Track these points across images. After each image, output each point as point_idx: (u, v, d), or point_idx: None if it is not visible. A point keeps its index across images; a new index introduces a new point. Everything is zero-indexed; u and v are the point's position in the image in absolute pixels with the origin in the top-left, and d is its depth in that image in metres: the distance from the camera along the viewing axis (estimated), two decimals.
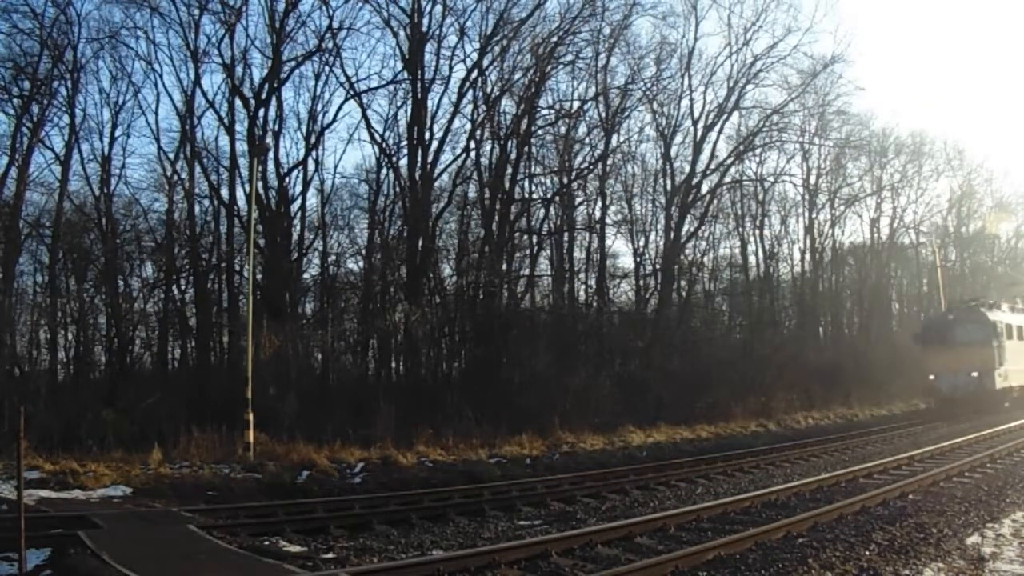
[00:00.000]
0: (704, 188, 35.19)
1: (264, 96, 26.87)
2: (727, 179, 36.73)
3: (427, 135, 28.12)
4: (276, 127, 27.41)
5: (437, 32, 28.49)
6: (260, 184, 25.05)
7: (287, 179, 27.52)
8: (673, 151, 34.73)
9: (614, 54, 31.96)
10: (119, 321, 25.40)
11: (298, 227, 28.31)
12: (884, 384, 35.10)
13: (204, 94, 27.47)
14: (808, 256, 43.98)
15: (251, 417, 16.27)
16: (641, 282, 34.54)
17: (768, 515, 10.12)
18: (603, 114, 32.31)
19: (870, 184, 47.15)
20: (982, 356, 27.26)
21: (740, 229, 40.92)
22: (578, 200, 33.92)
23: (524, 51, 29.62)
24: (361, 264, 30.40)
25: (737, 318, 40.21)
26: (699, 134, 34.14)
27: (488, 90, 29.66)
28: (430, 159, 28.15)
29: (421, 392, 23.81)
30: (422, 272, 27.49)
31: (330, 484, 14.11)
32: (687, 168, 34.27)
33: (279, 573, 7.24)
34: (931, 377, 28.41)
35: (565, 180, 32.20)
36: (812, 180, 43.24)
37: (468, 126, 29.58)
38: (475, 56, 29.02)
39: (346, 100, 29.62)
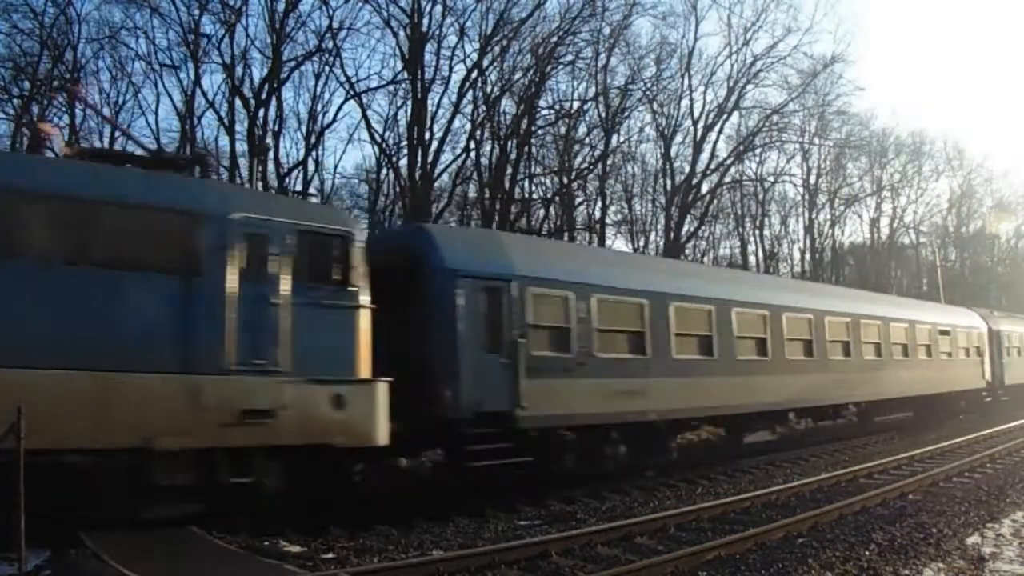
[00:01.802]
0: (704, 188, 35.32)
1: (264, 96, 26.94)
2: (727, 179, 36.87)
3: (427, 135, 28.22)
4: (276, 127, 27.52)
5: (437, 32, 28.60)
6: (260, 184, 25.06)
7: (287, 179, 27.60)
8: (673, 151, 34.87)
9: (614, 54, 32.10)
10: None
11: None
12: None
13: (204, 94, 27.60)
14: (808, 256, 44.14)
15: None
16: None
17: (768, 515, 10.11)
18: (603, 114, 32.41)
19: (870, 184, 47.34)
20: None
21: (740, 229, 41.11)
22: (578, 200, 34.03)
23: (524, 51, 29.73)
24: None
25: None
26: (699, 134, 34.25)
27: (488, 90, 29.75)
28: (430, 159, 28.21)
29: None
30: None
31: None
32: (687, 168, 34.37)
33: (279, 573, 7.24)
34: None
35: (565, 180, 32.24)
36: (812, 180, 43.42)
37: (468, 126, 29.68)
38: (475, 56, 29.12)
39: (346, 100, 29.80)
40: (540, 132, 31.78)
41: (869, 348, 19.40)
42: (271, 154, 26.50)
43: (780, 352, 16.26)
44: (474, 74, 29.01)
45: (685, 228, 34.72)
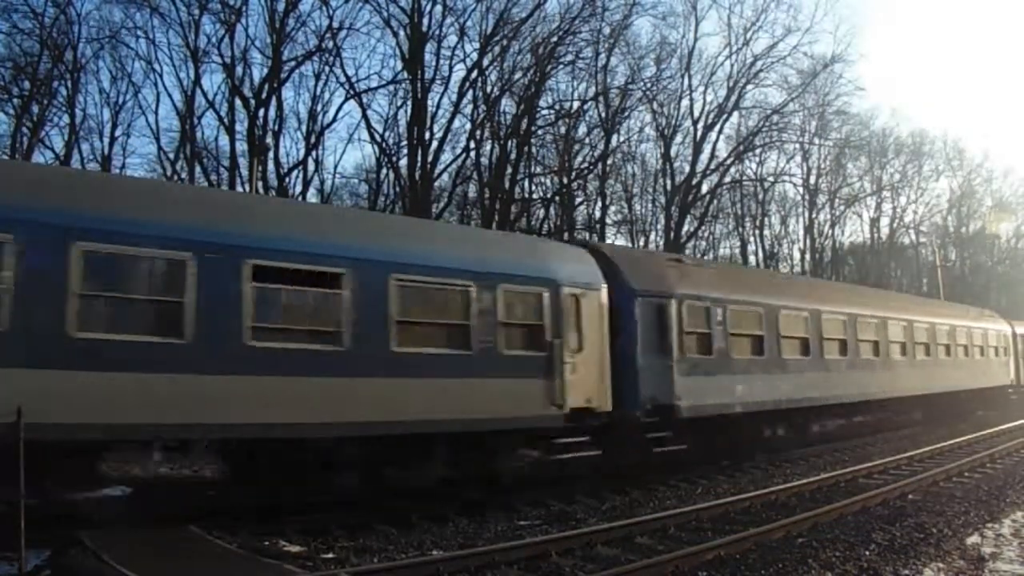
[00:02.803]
0: (704, 188, 35.36)
1: (264, 96, 26.96)
2: (727, 179, 36.90)
3: (427, 135, 28.23)
4: (276, 127, 27.55)
5: (437, 32, 28.63)
6: (260, 184, 25.06)
7: (287, 179, 27.65)
8: (673, 151, 34.92)
9: (614, 54, 32.16)
10: None
11: None
12: None
13: (204, 94, 27.64)
14: (808, 256, 44.14)
15: None
16: None
17: (768, 515, 10.10)
18: (603, 114, 32.43)
19: (870, 184, 47.36)
20: None
21: (740, 229, 41.13)
22: (578, 200, 34.03)
23: (524, 51, 29.77)
24: None
25: None
26: (699, 134, 34.29)
27: (488, 90, 29.77)
28: (430, 159, 28.22)
29: None
30: None
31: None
32: (687, 168, 34.40)
33: (279, 573, 7.24)
34: None
35: (565, 180, 32.25)
36: (812, 180, 43.43)
37: (468, 126, 29.72)
38: (475, 56, 29.16)
39: (346, 100, 29.85)
40: (540, 132, 31.84)
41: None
42: (271, 154, 26.54)
43: None
44: (474, 74, 29.07)
45: (685, 228, 34.76)
